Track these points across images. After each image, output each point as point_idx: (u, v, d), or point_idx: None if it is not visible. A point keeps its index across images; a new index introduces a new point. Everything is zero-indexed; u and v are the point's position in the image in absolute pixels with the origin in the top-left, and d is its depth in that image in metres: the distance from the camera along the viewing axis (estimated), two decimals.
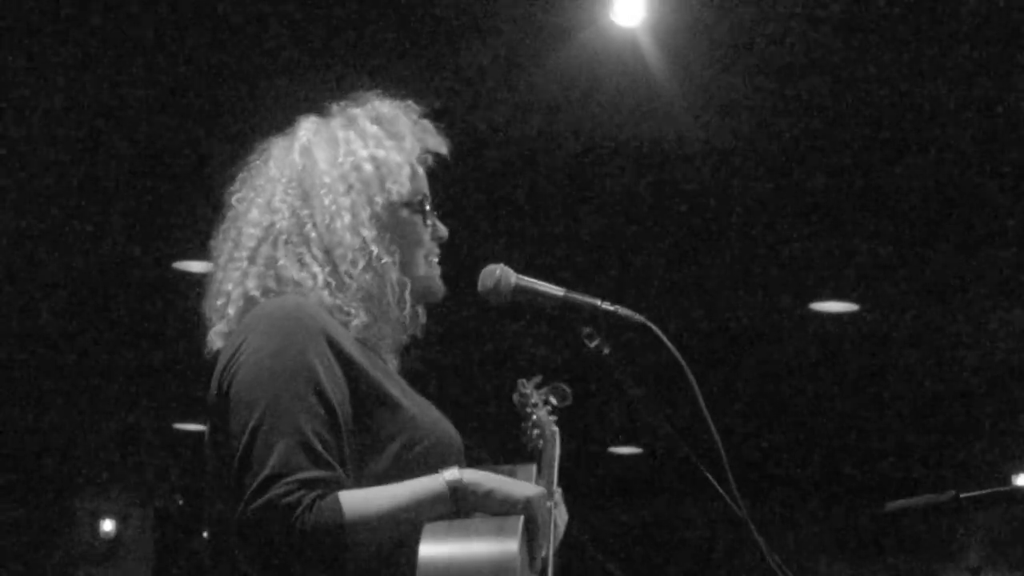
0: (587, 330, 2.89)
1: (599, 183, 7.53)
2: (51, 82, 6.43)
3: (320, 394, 2.57)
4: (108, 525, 14.23)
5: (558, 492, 2.99)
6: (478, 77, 6.38)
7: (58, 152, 7.21)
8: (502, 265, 2.96)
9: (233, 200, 2.92)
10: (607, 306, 2.90)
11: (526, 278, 2.95)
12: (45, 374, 11.22)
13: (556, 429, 3.17)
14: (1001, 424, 11.44)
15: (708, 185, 7.48)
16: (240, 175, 2.95)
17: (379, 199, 2.85)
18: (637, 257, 8.54)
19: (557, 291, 2.94)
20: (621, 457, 14.21)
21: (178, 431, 13.18)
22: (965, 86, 6.27)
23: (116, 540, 14.25)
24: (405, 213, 2.89)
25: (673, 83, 6.33)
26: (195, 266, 8.51)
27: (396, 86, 3.04)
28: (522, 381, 3.28)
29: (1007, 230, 7.89)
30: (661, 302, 8.81)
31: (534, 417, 3.19)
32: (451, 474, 2.59)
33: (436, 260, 2.95)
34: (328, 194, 2.82)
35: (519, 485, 2.68)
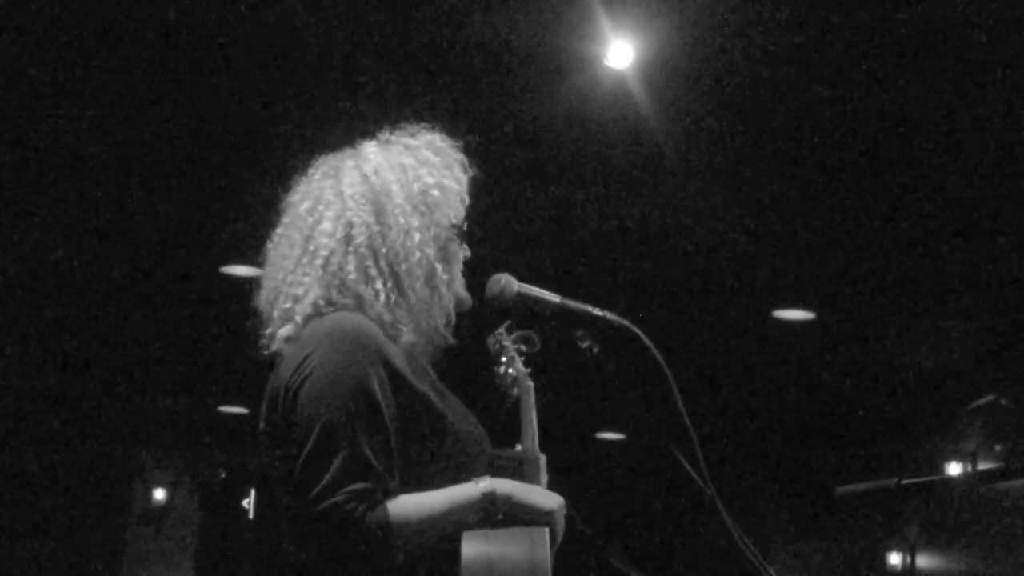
0: (579, 332, 2.88)
1: (591, 205, 7.52)
2: (106, 92, 6.40)
3: (375, 412, 2.56)
4: (159, 494, 14.20)
5: (543, 458, 2.96)
6: (485, 114, 6.37)
7: (116, 172, 7.19)
8: (506, 274, 2.95)
9: (301, 209, 2.87)
10: (596, 311, 2.89)
11: (527, 286, 2.95)
12: (109, 364, 11.23)
13: (531, 383, 3.14)
14: (937, 419, 11.43)
15: (685, 207, 7.47)
16: (300, 187, 2.92)
17: (441, 222, 2.87)
18: (623, 269, 8.53)
19: (554, 297, 2.93)
20: (607, 442, 14.20)
21: (221, 413, 13.18)
22: (923, 109, 6.25)
23: (166, 507, 14.23)
24: (452, 235, 2.89)
25: (659, 119, 6.32)
26: (240, 270, 8.51)
27: (413, 118, 3.04)
28: (498, 329, 3.25)
29: (947, 248, 7.88)
30: (641, 308, 8.79)
31: (510, 369, 3.16)
32: (486, 484, 2.60)
33: (463, 275, 2.95)
34: (401, 214, 2.81)
35: (543, 498, 2.67)
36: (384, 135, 2.99)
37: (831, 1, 5.39)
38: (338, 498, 2.46)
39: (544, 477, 2.92)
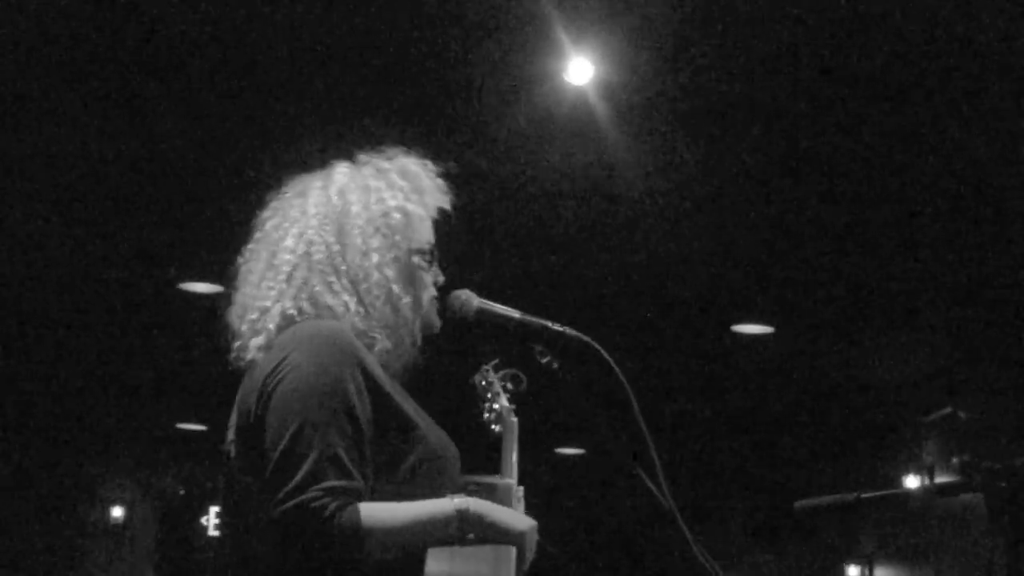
0: (539, 347, 2.89)
1: (551, 220, 7.54)
2: (66, 109, 6.38)
3: (350, 414, 2.57)
4: (117, 511, 14.13)
5: (520, 490, 2.97)
6: (446, 129, 6.38)
7: (75, 186, 7.17)
8: (466, 290, 2.96)
9: (267, 226, 2.91)
10: (556, 327, 2.90)
11: (487, 302, 2.96)
12: (67, 381, 11.17)
13: (515, 420, 3.15)
14: (895, 432, 11.49)
15: (645, 223, 7.49)
16: (273, 204, 2.95)
17: (402, 245, 2.88)
18: (583, 284, 8.54)
19: (514, 313, 2.94)
20: (566, 457, 14.21)
21: (179, 430, 13.14)
22: (882, 124, 6.29)
23: (124, 524, 14.16)
24: (417, 259, 2.91)
25: (618, 134, 6.34)
26: (198, 287, 8.48)
27: (374, 141, 3.06)
28: (485, 366, 3.26)
29: (904, 262, 7.93)
30: (602, 322, 8.82)
31: (495, 405, 3.17)
32: (460, 502, 2.60)
33: (436, 300, 2.97)
34: (360, 235, 2.84)
35: (515, 519, 2.68)
36: (361, 156, 3.01)
37: (789, 15, 5.42)
38: (309, 495, 2.46)
39: (520, 507, 2.93)
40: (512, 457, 3.04)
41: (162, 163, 6.88)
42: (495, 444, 3.10)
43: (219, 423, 2.82)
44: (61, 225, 7.68)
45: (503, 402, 3.18)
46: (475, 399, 3.21)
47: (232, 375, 2.81)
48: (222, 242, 3.01)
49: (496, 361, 3.27)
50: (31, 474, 12.98)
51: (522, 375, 3.26)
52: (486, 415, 3.16)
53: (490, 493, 2.77)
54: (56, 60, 5.88)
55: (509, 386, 3.25)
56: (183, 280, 8.49)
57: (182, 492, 14.47)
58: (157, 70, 5.96)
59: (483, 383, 3.22)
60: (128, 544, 14.20)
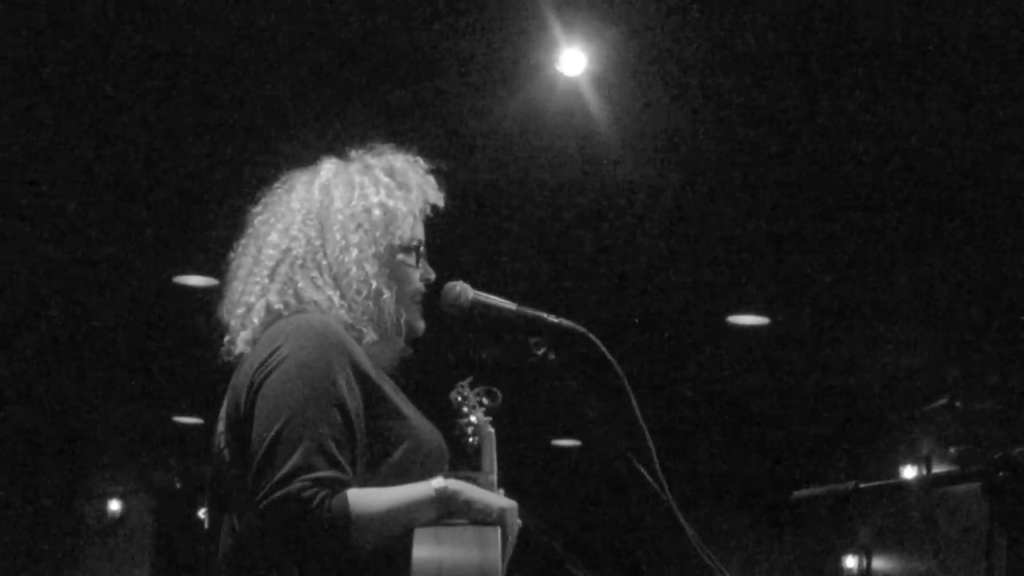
0: (534, 339, 2.89)
1: (544, 212, 7.53)
2: (62, 103, 6.37)
3: (339, 405, 2.59)
4: (114, 505, 14.15)
5: (501, 492, 2.98)
6: (438, 121, 6.37)
7: (69, 179, 7.16)
8: (461, 282, 2.96)
9: (256, 221, 2.93)
10: (552, 318, 2.90)
11: (482, 294, 2.95)
12: (62, 374, 11.16)
13: (492, 430, 3.17)
14: (892, 423, 11.49)
15: (640, 214, 7.48)
16: (264, 199, 2.97)
17: (383, 241, 2.88)
18: (577, 276, 8.54)
19: (510, 305, 2.94)
20: (562, 449, 14.21)
21: (176, 423, 13.13)
22: (879, 114, 6.29)
23: (121, 518, 14.17)
24: (401, 256, 2.91)
25: (611, 126, 6.33)
26: (193, 280, 8.48)
27: (365, 133, 3.06)
28: (460, 383, 3.28)
29: (897, 255, 7.93)
30: (598, 313, 8.81)
31: (472, 418, 3.19)
32: (438, 482, 2.62)
33: (420, 300, 2.96)
34: (340, 230, 2.86)
35: (494, 497, 2.70)
36: (351, 152, 3.02)
37: (785, 4, 5.42)
38: (298, 484, 2.47)
39: (516, 522, 2.94)
40: (492, 464, 3.05)
41: (157, 156, 6.87)
42: (474, 455, 3.10)
43: (215, 416, 2.82)
44: (56, 219, 7.67)
45: (480, 415, 3.20)
46: (452, 415, 3.22)
47: (228, 368, 2.83)
48: (217, 235, 3.01)
49: (471, 378, 3.29)
50: (27, 469, 12.98)
51: (497, 391, 3.27)
52: (463, 429, 3.18)
53: (473, 483, 2.77)
54: (48, 54, 5.87)
55: (485, 401, 3.26)
56: (178, 273, 8.48)
57: (179, 485, 14.48)
58: (153, 64, 5.95)
59: (459, 399, 3.24)
60: (125, 538, 14.20)
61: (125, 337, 10.01)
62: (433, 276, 2.99)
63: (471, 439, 3.14)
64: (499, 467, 3.07)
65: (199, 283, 8.40)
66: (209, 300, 2.98)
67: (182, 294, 8.62)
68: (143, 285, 8.77)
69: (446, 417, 3.18)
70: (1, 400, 11.80)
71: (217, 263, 3.01)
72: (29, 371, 11.02)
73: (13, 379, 11.24)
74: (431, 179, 3.01)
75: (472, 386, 3.28)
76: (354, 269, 2.83)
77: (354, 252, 2.84)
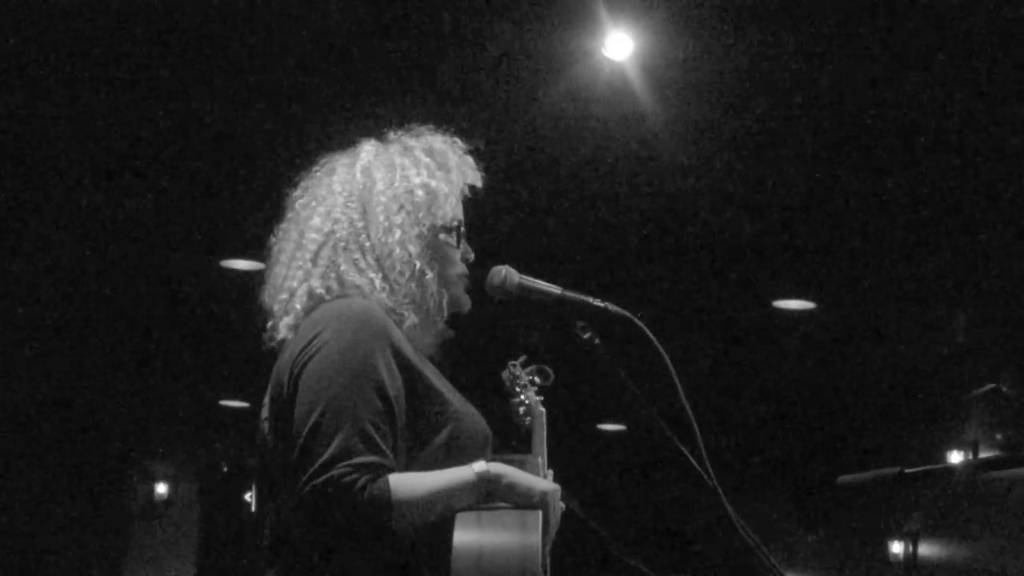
0: (580, 323, 2.89)
1: (592, 196, 7.53)
2: (105, 89, 6.41)
3: (380, 390, 2.59)
4: (161, 487, 14.21)
5: (550, 473, 2.98)
6: (485, 105, 6.37)
7: (114, 164, 7.20)
8: (507, 266, 2.96)
9: (296, 205, 2.93)
10: (597, 303, 2.90)
11: (528, 278, 2.95)
12: (113, 358, 11.22)
13: (543, 410, 3.17)
14: (938, 408, 11.44)
15: (686, 199, 7.47)
16: (303, 183, 2.97)
17: (426, 221, 2.88)
18: (623, 261, 8.53)
19: (554, 289, 2.94)
20: (608, 433, 14.20)
21: (223, 407, 13.19)
22: (924, 103, 6.26)
23: (168, 501, 14.23)
24: (443, 236, 2.91)
25: (658, 109, 6.32)
26: (240, 264, 8.52)
27: (412, 117, 3.06)
28: (512, 362, 3.28)
29: (944, 239, 7.89)
30: (644, 298, 8.80)
31: (523, 398, 3.19)
32: (480, 466, 2.62)
33: (465, 279, 2.96)
34: (383, 212, 2.85)
35: (536, 480, 2.69)
36: (390, 134, 3.01)
37: None
38: (340, 470, 2.48)
39: (559, 507, 2.94)
40: (542, 444, 3.05)
41: (202, 141, 6.90)
42: (525, 435, 3.11)
43: (261, 400, 2.83)
44: (102, 204, 7.71)
45: (531, 395, 3.20)
46: (504, 394, 3.23)
47: (273, 353, 2.83)
48: (263, 219, 3.02)
49: (524, 357, 3.29)
50: (74, 453, 13.07)
51: (549, 369, 3.27)
52: (516, 409, 3.18)
53: (520, 466, 2.77)
54: (90, 35, 5.89)
55: (537, 380, 3.26)
56: (225, 257, 8.52)
57: (225, 468, 14.54)
58: (194, 49, 5.97)
59: (511, 378, 3.24)
60: (172, 521, 14.28)
61: (172, 321, 10.06)
62: (472, 256, 2.98)
63: (525, 419, 3.15)
64: (546, 449, 3.07)
65: (246, 267, 8.44)
66: (255, 284, 2.98)
67: (229, 278, 8.66)
68: (191, 269, 8.82)
69: (498, 397, 3.18)
70: (50, 384, 11.87)
71: (263, 247, 3.01)
72: (78, 355, 11.10)
73: (63, 364, 11.32)
74: (469, 159, 3.01)
75: (524, 365, 3.28)
76: (398, 250, 2.82)
77: (397, 233, 2.83)
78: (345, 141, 3.03)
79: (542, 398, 3.22)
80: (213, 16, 5.71)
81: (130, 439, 13.80)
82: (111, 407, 12.82)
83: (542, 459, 3.00)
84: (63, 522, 12.98)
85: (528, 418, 3.15)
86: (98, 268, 8.84)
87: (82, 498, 13.26)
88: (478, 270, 2.99)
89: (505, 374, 3.26)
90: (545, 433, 3.10)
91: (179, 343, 10.69)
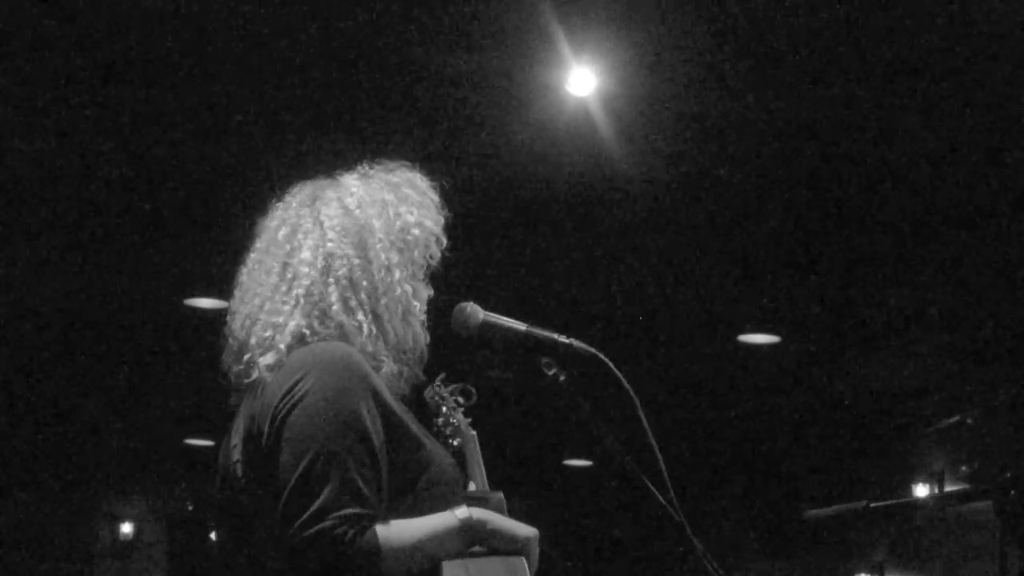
0: (545, 360, 2.87)
1: (554, 231, 7.53)
2: (72, 123, 6.38)
3: (365, 440, 2.56)
4: (126, 527, 14.13)
5: (503, 498, 2.95)
6: (448, 139, 6.38)
7: (77, 202, 7.17)
8: (471, 303, 2.94)
9: (278, 236, 2.83)
10: (563, 339, 2.88)
11: (492, 314, 2.93)
12: (74, 397, 11.16)
13: (474, 432, 3.15)
14: (904, 441, 11.47)
15: (649, 234, 7.48)
16: (278, 212, 2.88)
17: (419, 261, 2.86)
18: (587, 296, 8.54)
19: (520, 326, 2.91)
20: (574, 469, 14.19)
21: (188, 446, 13.12)
22: (887, 135, 6.29)
23: (133, 541, 14.15)
24: (420, 275, 2.89)
25: (620, 145, 6.33)
26: (204, 303, 8.49)
27: (375, 149, 3.04)
28: (436, 382, 3.25)
29: (908, 273, 7.92)
30: (606, 333, 8.80)
31: (451, 419, 3.16)
32: (462, 512, 2.61)
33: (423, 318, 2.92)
34: (382, 250, 2.80)
35: (518, 526, 2.69)
36: (363, 168, 2.96)
37: (791, 24, 5.41)
38: (328, 523, 2.46)
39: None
40: (479, 468, 3.03)
41: (164, 178, 6.88)
42: (458, 459, 3.08)
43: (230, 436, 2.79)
44: (65, 243, 7.68)
45: (460, 416, 3.17)
46: (429, 414, 3.20)
47: (240, 390, 2.78)
48: (227, 258, 2.97)
49: (444, 375, 3.25)
50: (39, 491, 12.98)
51: (472, 389, 3.25)
52: (442, 429, 3.16)
53: (486, 504, 2.76)
54: (63, 67, 5.87)
55: (460, 400, 3.24)
56: (188, 296, 8.49)
57: (191, 508, 14.46)
58: (159, 87, 5.96)
59: (436, 398, 3.21)
60: (138, 560, 14.19)
61: (137, 360, 10.02)
62: (432, 293, 2.95)
63: (452, 440, 3.12)
64: (510, 485, 3.05)
65: (210, 305, 8.41)
66: (220, 323, 2.91)
67: (194, 316, 8.63)
68: (155, 308, 8.78)
69: (423, 417, 3.15)
70: (13, 422, 11.79)
71: (228, 286, 2.96)
72: (41, 393, 11.03)
73: (25, 401, 11.25)
74: (436, 198, 2.96)
75: (446, 383, 3.25)
76: (398, 290, 2.79)
77: (396, 273, 2.80)
78: (309, 177, 2.98)
79: (470, 419, 3.20)
80: (176, 53, 5.70)
81: (95, 478, 13.72)
82: (74, 446, 12.74)
83: (483, 482, 2.98)
84: (27, 562, 12.88)
85: (457, 439, 3.13)
86: (61, 307, 8.80)
87: (46, 539, 13.17)
88: (443, 309, 2.97)
89: (428, 392, 3.22)
90: (480, 456, 3.08)
91: (144, 382, 10.64)
